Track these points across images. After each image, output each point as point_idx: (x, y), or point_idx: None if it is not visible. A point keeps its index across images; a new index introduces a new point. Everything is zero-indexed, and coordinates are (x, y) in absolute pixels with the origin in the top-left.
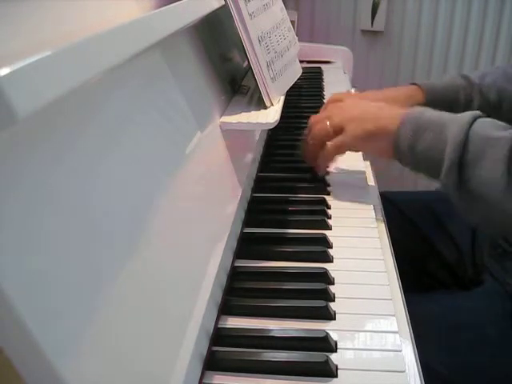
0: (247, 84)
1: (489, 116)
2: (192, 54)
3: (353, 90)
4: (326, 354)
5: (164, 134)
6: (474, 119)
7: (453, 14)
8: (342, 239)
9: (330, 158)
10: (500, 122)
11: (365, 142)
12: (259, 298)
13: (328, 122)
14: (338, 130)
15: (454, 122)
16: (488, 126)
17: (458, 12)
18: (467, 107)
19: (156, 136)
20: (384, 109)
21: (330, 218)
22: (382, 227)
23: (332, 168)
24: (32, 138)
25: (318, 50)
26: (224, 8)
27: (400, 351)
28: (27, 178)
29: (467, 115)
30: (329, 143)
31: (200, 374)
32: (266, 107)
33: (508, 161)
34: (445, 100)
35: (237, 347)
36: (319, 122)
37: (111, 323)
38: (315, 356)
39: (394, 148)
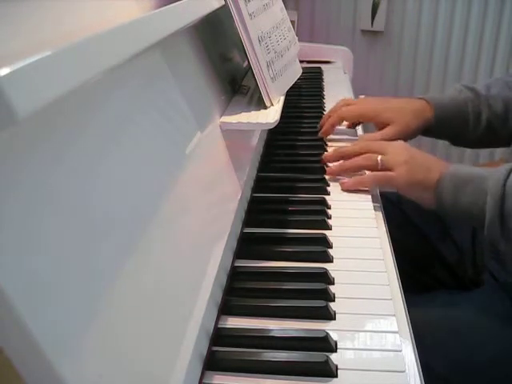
0: (247, 84)
1: (497, 128)
2: (192, 54)
3: (362, 97)
4: (326, 353)
5: (164, 134)
6: (509, 173)
7: (453, 13)
8: (341, 239)
9: (368, 185)
10: None
11: (410, 188)
12: (259, 297)
13: (380, 158)
14: (386, 167)
15: (491, 175)
16: None
17: (458, 12)
18: (476, 120)
19: (156, 136)
20: (434, 162)
21: (330, 217)
22: (382, 227)
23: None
24: (32, 137)
25: (318, 50)
26: (224, 8)
27: (400, 351)
28: (27, 178)
29: (503, 168)
30: (375, 173)
31: (200, 374)
32: (265, 107)
33: None
34: (454, 115)
35: (237, 347)
36: (369, 150)
37: (111, 323)
38: (315, 356)
39: (437, 200)
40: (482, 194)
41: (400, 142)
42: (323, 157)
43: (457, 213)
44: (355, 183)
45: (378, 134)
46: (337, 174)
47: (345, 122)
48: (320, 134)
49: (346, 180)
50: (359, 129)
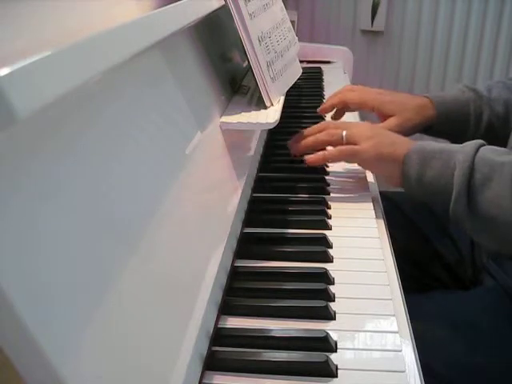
0: (247, 84)
1: (497, 129)
2: (192, 54)
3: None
4: (326, 354)
5: (164, 133)
6: (478, 147)
7: (453, 14)
8: (341, 239)
9: (335, 159)
10: (501, 148)
11: (376, 163)
12: (259, 297)
13: (345, 132)
14: (351, 143)
15: (460, 150)
16: (491, 153)
17: (458, 12)
18: (477, 120)
19: (156, 136)
20: (397, 137)
21: (330, 217)
22: (382, 227)
23: (331, 168)
24: (32, 137)
25: (318, 50)
26: (224, 8)
27: (400, 351)
28: (27, 178)
29: (471, 144)
30: (339, 147)
31: (200, 374)
32: (265, 107)
33: None
34: (455, 112)
35: (237, 347)
36: (335, 128)
37: (111, 323)
38: (315, 356)
39: (402, 176)
40: (450, 168)
41: (365, 122)
42: (290, 147)
43: (422, 187)
44: (319, 158)
45: (380, 125)
46: (301, 152)
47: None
48: (318, 110)
49: (309, 156)
50: (356, 117)
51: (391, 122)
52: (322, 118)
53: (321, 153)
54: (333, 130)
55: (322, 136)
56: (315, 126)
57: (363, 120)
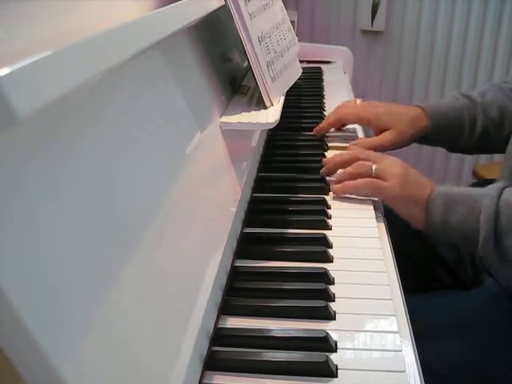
0: (247, 84)
1: (492, 134)
2: (192, 54)
3: (358, 101)
4: (326, 354)
5: (164, 133)
6: (502, 190)
7: (453, 14)
8: (341, 239)
9: (360, 191)
10: None
11: (401, 202)
12: (259, 297)
13: (374, 166)
14: (379, 177)
15: (484, 194)
16: None
17: (458, 12)
18: (472, 127)
19: (156, 136)
20: (422, 178)
21: (330, 217)
22: (382, 227)
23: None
24: (32, 137)
25: (318, 50)
26: (224, 8)
27: (400, 351)
28: (27, 178)
29: (495, 187)
30: (367, 179)
31: (200, 374)
32: (265, 107)
33: None
34: (450, 122)
35: (237, 347)
36: (365, 160)
37: (111, 323)
38: (315, 356)
39: (426, 219)
40: (474, 213)
41: (395, 158)
42: (321, 172)
43: (447, 232)
44: (347, 187)
45: (375, 139)
46: (329, 175)
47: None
48: (314, 131)
49: (337, 186)
50: (360, 131)
51: (387, 135)
52: (321, 118)
53: (349, 183)
54: (363, 162)
55: (351, 169)
56: (346, 152)
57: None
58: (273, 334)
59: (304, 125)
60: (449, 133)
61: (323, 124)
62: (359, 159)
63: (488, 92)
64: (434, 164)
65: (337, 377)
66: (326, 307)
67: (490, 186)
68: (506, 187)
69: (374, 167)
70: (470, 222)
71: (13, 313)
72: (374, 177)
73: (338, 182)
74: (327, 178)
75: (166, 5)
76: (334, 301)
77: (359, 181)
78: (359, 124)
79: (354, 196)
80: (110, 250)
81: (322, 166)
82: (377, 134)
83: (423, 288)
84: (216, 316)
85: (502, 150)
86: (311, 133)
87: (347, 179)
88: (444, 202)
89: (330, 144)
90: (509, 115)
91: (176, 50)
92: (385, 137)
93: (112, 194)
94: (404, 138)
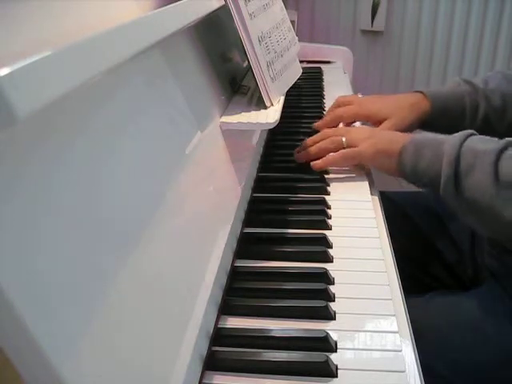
0: (247, 84)
1: (494, 122)
2: (192, 54)
3: (360, 95)
4: (326, 354)
5: (164, 133)
6: (466, 137)
7: (453, 14)
8: (341, 239)
9: (336, 164)
10: (490, 138)
11: (375, 158)
12: (259, 297)
13: (344, 138)
14: (351, 146)
15: (449, 140)
16: (477, 142)
17: (458, 12)
18: (473, 113)
19: (156, 136)
20: (392, 133)
21: (330, 217)
22: (382, 227)
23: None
24: (32, 137)
25: (318, 50)
26: (224, 8)
27: (400, 351)
28: (27, 177)
29: (460, 134)
30: (341, 151)
31: (200, 374)
32: (265, 107)
33: (494, 171)
34: (451, 107)
35: (237, 347)
36: (335, 135)
37: (111, 323)
38: (315, 356)
39: (399, 166)
40: (439, 157)
41: (362, 125)
42: (297, 157)
43: (416, 176)
44: (326, 162)
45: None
46: (306, 161)
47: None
48: (314, 126)
49: (315, 162)
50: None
51: (386, 124)
52: (321, 118)
53: (325, 158)
54: (333, 137)
55: (323, 144)
56: (316, 135)
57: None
58: (273, 334)
59: (304, 125)
60: (450, 118)
61: (319, 123)
62: (328, 136)
63: (491, 79)
64: None
65: (337, 377)
66: (326, 307)
67: (456, 134)
68: (472, 134)
69: (343, 139)
70: (435, 166)
71: (13, 313)
72: (346, 147)
73: (307, 159)
74: (327, 177)
75: (165, 5)
76: (334, 301)
77: (334, 155)
78: (357, 120)
79: (353, 196)
80: (110, 250)
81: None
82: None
83: (423, 288)
84: (216, 316)
85: (504, 136)
86: (312, 129)
87: (322, 154)
88: (414, 147)
89: None
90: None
91: (176, 50)
92: (385, 125)
93: (112, 194)
94: (406, 123)
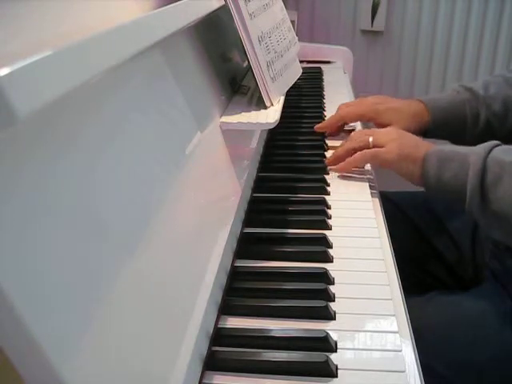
0: (247, 84)
1: (495, 128)
2: (192, 54)
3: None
4: (326, 354)
5: (164, 134)
6: (492, 148)
7: (453, 14)
8: (341, 239)
9: (359, 163)
10: None
11: (399, 162)
12: (259, 297)
13: (371, 138)
14: (377, 146)
15: (474, 152)
16: (503, 153)
17: (458, 12)
18: (474, 121)
19: (156, 136)
20: (422, 140)
21: (330, 217)
22: (382, 227)
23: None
24: (32, 137)
25: (318, 50)
26: (224, 8)
27: (400, 351)
28: (27, 177)
29: (486, 145)
30: (366, 150)
31: (200, 374)
32: (265, 107)
33: None
34: (451, 116)
35: (237, 347)
36: (361, 136)
37: (111, 323)
38: (315, 356)
39: (422, 175)
40: (465, 169)
41: (391, 127)
42: (326, 164)
43: (440, 188)
44: (347, 164)
45: None
46: (335, 164)
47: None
48: (315, 128)
49: (338, 165)
50: (359, 127)
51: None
52: (321, 118)
53: (348, 160)
54: (359, 137)
55: (349, 144)
56: (348, 141)
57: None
58: (273, 333)
59: (304, 125)
60: (450, 127)
61: (324, 122)
62: (355, 138)
63: (491, 84)
64: None
65: (337, 377)
66: (326, 307)
67: (481, 145)
68: (498, 145)
69: (370, 139)
70: (460, 177)
71: (13, 313)
72: (372, 147)
73: (335, 163)
74: (327, 177)
75: (165, 5)
76: (334, 301)
77: (357, 154)
78: (360, 122)
79: (353, 196)
80: (110, 250)
81: (322, 166)
82: None
83: (423, 288)
84: (216, 316)
85: (505, 141)
86: (312, 129)
87: (349, 155)
88: (438, 159)
89: (330, 144)
90: None
91: (176, 50)
92: None
93: (111, 194)
94: (409, 132)
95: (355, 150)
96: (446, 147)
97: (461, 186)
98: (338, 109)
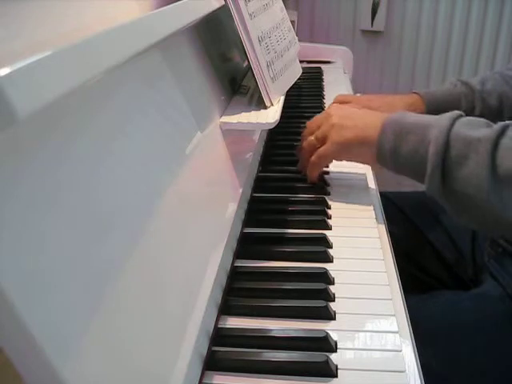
0: (247, 84)
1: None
2: (192, 54)
3: (359, 95)
4: (326, 354)
5: (164, 134)
6: (454, 120)
7: (453, 13)
8: (342, 239)
9: (317, 168)
10: (478, 120)
11: (346, 151)
12: (259, 297)
13: (312, 137)
14: (323, 140)
15: (435, 124)
16: (468, 126)
17: (458, 12)
18: (469, 114)
19: (156, 136)
20: (365, 115)
21: (330, 217)
22: (382, 227)
23: (331, 168)
24: (32, 137)
25: (318, 50)
26: (224, 8)
27: (400, 351)
28: (27, 177)
29: (447, 117)
30: (312, 157)
31: (200, 374)
32: (265, 107)
33: (491, 162)
34: (446, 108)
35: (237, 347)
36: (308, 135)
37: (111, 323)
38: (315, 356)
39: (377, 153)
40: (425, 144)
41: (330, 108)
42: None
43: (397, 162)
44: (310, 173)
45: None
46: (315, 177)
47: None
48: (307, 124)
49: (308, 176)
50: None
51: None
52: None
53: (309, 170)
54: (306, 137)
55: (304, 152)
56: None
57: None
58: (273, 333)
59: (304, 125)
60: None
61: (310, 121)
62: (306, 135)
63: (488, 80)
64: None
65: (337, 377)
66: (326, 307)
67: (443, 115)
68: (460, 116)
69: (312, 137)
70: (419, 152)
71: (13, 313)
72: (319, 146)
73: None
74: (327, 177)
75: (165, 5)
76: (334, 301)
77: (310, 164)
78: None
79: (353, 196)
80: (110, 249)
81: None
82: None
83: (423, 288)
84: (216, 316)
85: None
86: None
87: (307, 162)
88: (394, 132)
89: None
90: (508, 103)
91: (176, 50)
92: None
93: (112, 194)
94: None
95: (308, 153)
96: (403, 118)
97: (419, 163)
98: (335, 99)
